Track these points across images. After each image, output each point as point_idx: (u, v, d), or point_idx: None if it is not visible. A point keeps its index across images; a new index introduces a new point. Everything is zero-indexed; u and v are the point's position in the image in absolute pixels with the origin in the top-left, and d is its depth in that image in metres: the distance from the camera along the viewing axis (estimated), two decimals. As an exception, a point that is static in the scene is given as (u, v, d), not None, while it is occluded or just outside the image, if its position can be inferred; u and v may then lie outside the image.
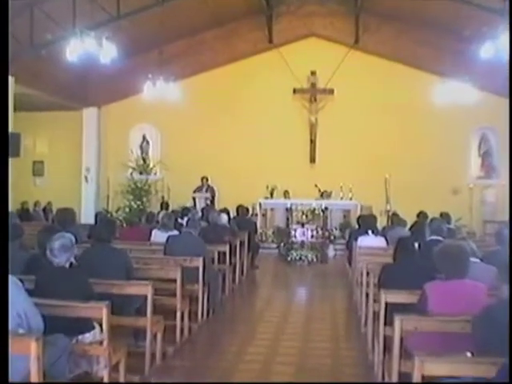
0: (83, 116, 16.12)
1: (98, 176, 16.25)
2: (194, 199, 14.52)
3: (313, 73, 15.54)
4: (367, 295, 6.07)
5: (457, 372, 3.01)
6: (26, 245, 5.53)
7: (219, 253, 7.93)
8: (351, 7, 14.57)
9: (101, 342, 4.05)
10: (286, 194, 14.83)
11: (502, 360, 2.69)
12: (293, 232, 12.23)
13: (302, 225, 12.31)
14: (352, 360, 5.54)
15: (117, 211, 15.25)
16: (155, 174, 16.06)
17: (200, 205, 13.80)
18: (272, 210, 14.41)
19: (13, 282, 3.40)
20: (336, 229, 13.67)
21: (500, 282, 3.37)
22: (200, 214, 10.59)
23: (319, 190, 14.33)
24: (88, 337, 4.11)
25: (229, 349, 5.81)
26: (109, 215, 14.05)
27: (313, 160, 15.60)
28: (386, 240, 7.98)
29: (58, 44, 10.53)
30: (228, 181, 14.89)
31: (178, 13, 12.80)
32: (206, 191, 14.69)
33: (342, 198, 14.21)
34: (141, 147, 16.34)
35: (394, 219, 9.20)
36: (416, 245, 5.15)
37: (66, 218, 6.94)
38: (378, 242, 7.99)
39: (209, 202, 14.38)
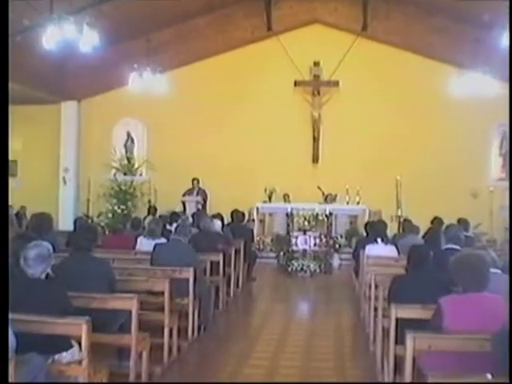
0: (61, 110, 16.11)
1: (78, 177, 16.24)
2: (183, 203, 14.52)
3: (316, 63, 15.55)
4: (376, 310, 6.07)
5: (475, 395, 3.01)
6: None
7: (212, 263, 7.92)
8: (359, -9, 14.63)
9: (80, 362, 4.04)
10: (285, 197, 14.83)
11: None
12: (294, 240, 12.21)
13: (304, 232, 12.29)
14: (359, 381, 5.53)
15: (98, 216, 15.23)
16: (141, 175, 16.04)
17: (190, 209, 13.80)
18: (270, 215, 14.39)
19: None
20: (341, 236, 13.67)
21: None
22: (191, 219, 10.57)
23: (323, 193, 14.33)
24: (65, 356, 4.10)
25: (222, 369, 5.80)
26: (89, 221, 14.02)
27: (316, 160, 15.61)
28: (397, 249, 7.98)
29: (33, 30, 10.51)
30: (222, 183, 14.89)
31: (166, -4, 12.83)
32: (198, 194, 14.69)
33: (348, 202, 14.22)
34: (125, 145, 16.33)
35: (406, 226, 9.20)
36: (430, 254, 5.15)
37: (41, 224, 6.92)
38: (388, 251, 7.99)
39: (200, 206, 14.38)
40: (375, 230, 8.60)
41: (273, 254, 13.03)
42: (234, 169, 15.33)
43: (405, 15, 14.82)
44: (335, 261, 12.69)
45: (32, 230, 6.78)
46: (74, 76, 15.28)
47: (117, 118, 16.07)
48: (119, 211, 15.14)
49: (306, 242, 12.13)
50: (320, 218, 12.90)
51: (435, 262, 5.23)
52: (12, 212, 15.86)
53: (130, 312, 4.83)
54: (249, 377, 5.55)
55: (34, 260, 4.16)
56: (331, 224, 13.14)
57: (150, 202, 15.07)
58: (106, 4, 11.10)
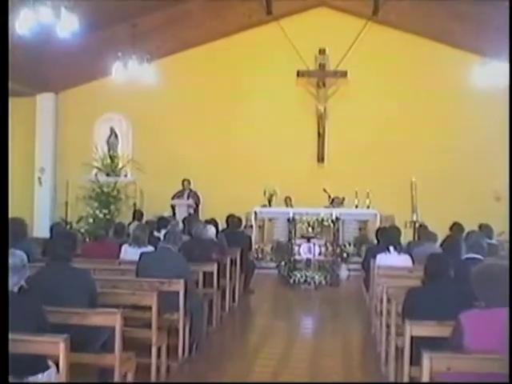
0: (37, 104, 16.11)
1: (55, 178, 16.23)
2: (173, 207, 14.53)
3: (321, 51, 15.59)
4: (388, 327, 6.08)
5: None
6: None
7: (205, 274, 7.92)
8: (369, -30, 14.68)
9: (57, 385, 4.03)
10: (287, 200, 14.84)
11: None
12: (296, 248, 12.22)
13: (308, 239, 12.30)
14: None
15: (78, 222, 15.22)
16: (126, 175, 16.06)
17: (181, 214, 13.80)
18: (270, 220, 14.39)
19: None
20: (350, 244, 13.69)
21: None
22: (181, 225, 10.59)
23: (329, 196, 14.35)
24: (41, 378, 4.09)
25: (217, 393, 5.80)
26: (68, 227, 14.02)
27: (321, 159, 15.64)
28: (412, 258, 8.00)
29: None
30: (215, 184, 14.91)
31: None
32: (189, 197, 14.70)
33: (357, 206, 14.22)
34: (108, 142, 16.34)
35: (422, 233, 9.21)
36: (449, 264, 5.15)
37: (14, 231, 6.90)
38: (402, 260, 7.99)
39: (192, 210, 14.39)
40: (387, 237, 8.60)
41: (273, 264, 13.04)
42: (230, 169, 15.35)
43: (421, -2, 14.87)
44: (343, 272, 12.68)
45: (4, 238, 6.77)
46: (50, 65, 15.27)
47: (99, 113, 16.07)
48: (101, 216, 15.12)
49: (309, 251, 12.13)
50: (326, 223, 12.91)
51: (455, 274, 5.23)
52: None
53: (113, 329, 4.82)
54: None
55: (6, 271, 4.15)
56: (338, 230, 13.14)
57: (135, 205, 15.07)
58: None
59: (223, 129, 15.69)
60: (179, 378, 6.25)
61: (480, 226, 8.75)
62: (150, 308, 5.69)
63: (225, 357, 7.22)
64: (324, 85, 15.52)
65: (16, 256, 4.26)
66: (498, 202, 14.91)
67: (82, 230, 14.30)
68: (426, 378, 3.75)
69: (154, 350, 5.70)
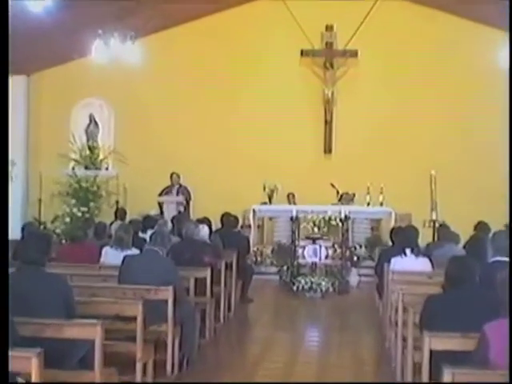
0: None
1: (27, 172, 16.24)
2: (160, 205, 14.53)
3: (329, 28, 15.61)
4: (405, 340, 6.08)
5: None
6: None
7: (197, 280, 7.90)
8: None
9: (29, 406, 4.02)
10: (290, 197, 14.86)
11: None
12: (300, 250, 12.22)
13: (314, 240, 12.30)
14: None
15: (53, 221, 15.22)
16: (107, 168, 16.08)
17: (169, 212, 13.80)
18: (271, 219, 14.42)
19: None
20: (361, 246, 13.70)
21: None
22: (170, 225, 10.58)
23: (337, 192, 14.35)
24: (10, 398, 4.08)
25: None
26: (42, 227, 14.01)
27: (328, 150, 15.66)
28: (431, 262, 8.00)
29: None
30: (209, 179, 14.93)
31: None
32: (178, 193, 14.70)
33: (369, 204, 14.22)
34: (87, 131, 16.37)
35: (443, 233, 9.22)
36: (473, 268, 5.15)
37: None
38: (420, 264, 8.00)
39: (182, 208, 14.39)
40: (403, 238, 8.60)
41: (274, 269, 13.05)
42: (225, 161, 15.36)
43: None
44: (353, 277, 12.70)
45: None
46: (22, 44, 15.19)
47: (76, 97, 16.07)
48: (79, 214, 15.12)
49: (315, 254, 12.13)
50: (333, 222, 12.93)
51: (480, 279, 5.22)
52: None
53: (92, 342, 4.81)
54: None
55: (-29, 276, 4.15)
56: (347, 231, 13.17)
57: (117, 203, 15.09)
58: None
59: (217, 116, 15.69)
60: (168, 397, 6.27)
61: (508, 226, 8.75)
62: (134, 319, 5.68)
63: (219, 373, 7.21)
64: (331, 66, 15.53)
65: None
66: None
67: (58, 231, 14.30)
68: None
69: (138, 366, 5.70)
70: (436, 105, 15.25)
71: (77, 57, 15.08)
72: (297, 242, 12.44)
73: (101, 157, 16.09)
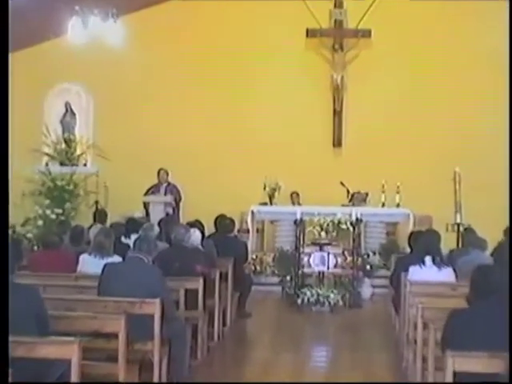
0: (-31, 72, 16.08)
1: (-6, 168, 16.20)
2: (146, 205, 14.50)
3: (338, 4, 15.62)
4: (424, 360, 6.08)
5: None
6: None
7: (187, 292, 7.90)
8: None
9: None
10: (294, 196, 14.87)
11: None
12: (305, 258, 12.20)
13: (321, 247, 12.29)
14: None
15: (23, 224, 15.18)
16: (85, 164, 16.08)
17: (156, 215, 13.76)
18: (272, 222, 14.42)
19: None
20: (375, 253, 13.69)
21: None
22: (157, 229, 10.57)
23: (347, 192, 14.35)
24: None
25: None
26: (11, 231, 13.98)
27: (337, 143, 15.66)
28: (455, 271, 8.00)
29: None
30: (201, 176, 14.93)
31: None
32: (166, 193, 14.67)
33: (384, 205, 14.21)
34: (62, 122, 16.34)
35: (469, 238, 9.20)
36: (503, 279, 5.14)
37: None
38: (442, 274, 7.99)
39: (170, 209, 14.36)
40: (423, 243, 8.59)
41: (275, 279, 13.05)
42: (220, 156, 15.36)
43: None
44: (365, 289, 12.70)
45: None
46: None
47: (50, 83, 16.05)
48: (53, 217, 15.09)
49: (322, 262, 12.11)
50: (343, 226, 12.89)
51: (510, 291, 5.22)
52: None
53: (69, 362, 4.81)
54: None
55: None
56: (359, 235, 13.17)
57: (97, 203, 15.06)
58: None
59: (211, 105, 15.67)
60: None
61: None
62: (116, 336, 5.67)
63: (213, 398, 7.23)
64: (341, 48, 15.53)
65: None
66: None
67: (29, 235, 14.27)
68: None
69: (121, 390, 5.71)
70: (461, 91, 15.21)
71: (51, 36, 15.05)
72: (301, 249, 12.41)
73: (78, 151, 16.06)
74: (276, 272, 13.29)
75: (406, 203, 14.06)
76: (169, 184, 14.83)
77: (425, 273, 8.02)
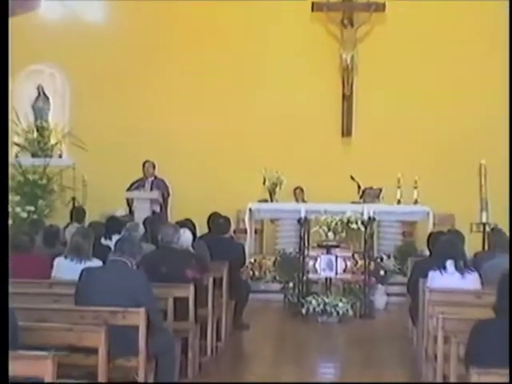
0: None
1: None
2: (129, 202, 14.49)
3: (347, -27, 15.63)
4: (446, 377, 6.09)
5: None
6: None
7: (176, 300, 7.89)
8: None
9: None
10: (297, 192, 14.88)
11: None
12: (311, 262, 12.22)
13: (328, 249, 12.29)
14: None
15: (-9, 224, 15.21)
16: (60, 156, 16.10)
17: (141, 213, 13.76)
18: (273, 222, 14.44)
19: None
20: (389, 257, 13.70)
21: None
22: (141, 229, 10.56)
23: (358, 187, 14.36)
24: None
25: None
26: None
27: (347, 132, 15.69)
28: (481, 277, 8.00)
29: None
30: (192, 169, 14.95)
31: None
32: (152, 188, 14.66)
33: (399, 201, 14.21)
34: (34, 108, 16.34)
35: (495, 240, 9.21)
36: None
37: None
38: (466, 281, 7.99)
39: (157, 207, 14.35)
40: (444, 246, 8.58)
41: (276, 286, 13.08)
42: (213, 146, 15.38)
43: None
44: (379, 297, 12.72)
45: None
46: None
47: (20, 63, 15.96)
48: (24, 215, 15.12)
49: (330, 267, 12.12)
50: (354, 226, 12.90)
51: (510, 290, 5.21)
52: None
53: (41, 380, 4.79)
54: None
55: None
56: (372, 236, 13.17)
57: (74, 200, 15.04)
58: None
59: (204, 89, 15.67)
60: None
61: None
62: (95, 350, 5.67)
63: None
64: (351, 23, 15.54)
65: None
66: None
67: (-3, 237, 14.26)
68: None
69: (101, 412, 5.70)
70: (486, 75, 15.21)
71: (21, 11, 15.02)
72: (306, 252, 12.44)
73: (52, 141, 16.08)
74: (277, 278, 13.33)
75: (424, 200, 14.09)
76: (155, 178, 14.82)
77: (446, 279, 8.02)
